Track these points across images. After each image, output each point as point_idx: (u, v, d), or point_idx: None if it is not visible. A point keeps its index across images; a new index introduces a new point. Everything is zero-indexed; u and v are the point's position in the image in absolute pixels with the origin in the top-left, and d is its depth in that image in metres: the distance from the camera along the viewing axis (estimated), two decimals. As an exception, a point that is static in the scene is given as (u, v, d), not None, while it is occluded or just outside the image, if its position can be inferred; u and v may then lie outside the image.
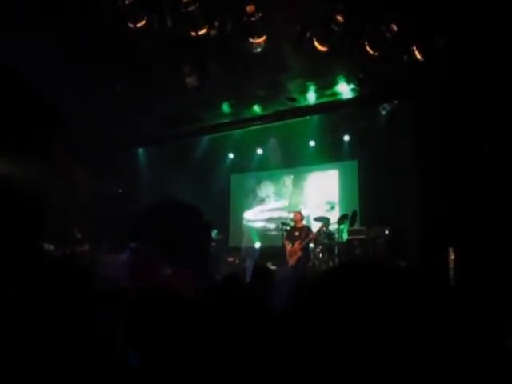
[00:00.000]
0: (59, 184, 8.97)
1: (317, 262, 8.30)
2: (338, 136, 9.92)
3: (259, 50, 5.87)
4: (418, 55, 5.80)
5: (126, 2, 5.21)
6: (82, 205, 9.51)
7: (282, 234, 8.43)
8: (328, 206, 9.65)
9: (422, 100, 7.51)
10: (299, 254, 7.72)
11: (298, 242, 7.74)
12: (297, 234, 7.88)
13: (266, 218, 11.15)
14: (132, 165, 10.42)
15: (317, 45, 5.68)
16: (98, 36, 5.83)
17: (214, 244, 8.84)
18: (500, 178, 6.23)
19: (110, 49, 6.16)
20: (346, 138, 9.92)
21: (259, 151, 10.85)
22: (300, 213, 8.28)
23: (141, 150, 10.70)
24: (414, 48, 5.79)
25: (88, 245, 8.97)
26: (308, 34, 5.53)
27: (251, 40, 5.65)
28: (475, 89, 6.57)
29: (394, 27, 5.49)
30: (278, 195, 11.19)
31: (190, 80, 6.21)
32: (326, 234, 8.29)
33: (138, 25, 5.45)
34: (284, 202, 10.99)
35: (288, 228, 8.44)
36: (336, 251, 8.07)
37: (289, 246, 7.85)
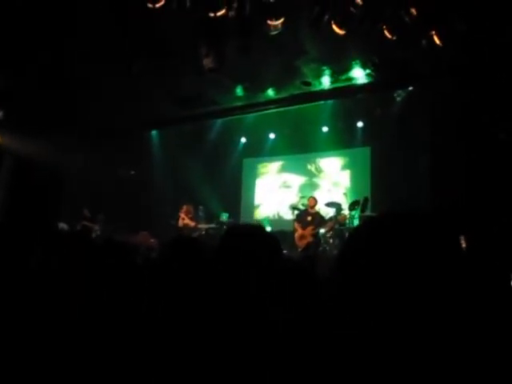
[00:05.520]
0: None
1: (327, 248, 8.33)
2: (351, 122, 9.88)
3: (276, 32, 5.84)
4: (437, 40, 5.73)
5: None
6: (95, 186, 9.62)
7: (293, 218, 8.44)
8: (340, 192, 9.65)
9: (438, 87, 7.43)
10: (309, 239, 7.74)
11: (310, 227, 7.74)
12: (309, 218, 7.88)
13: (277, 203, 11.18)
14: (145, 147, 10.46)
15: (335, 28, 5.63)
16: (114, 16, 5.80)
17: (224, 227, 8.89)
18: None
19: (126, 30, 6.12)
20: (360, 124, 9.89)
21: (271, 136, 10.83)
22: (314, 198, 8.26)
23: (154, 132, 10.74)
24: (433, 33, 5.72)
25: (98, 224, 9.09)
26: (326, 17, 5.48)
27: (269, 22, 5.62)
28: (492, 76, 6.49)
29: (414, 11, 5.43)
30: (289, 180, 11.20)
31: (207, 62, 6.19)
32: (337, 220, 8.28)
33: (157, 5, 5.44)
34: (295, 187, 11.00)
35: (299, 212, 8.44)
36: (347, 237, 8.07)
37: (299, 230, 7.85)
